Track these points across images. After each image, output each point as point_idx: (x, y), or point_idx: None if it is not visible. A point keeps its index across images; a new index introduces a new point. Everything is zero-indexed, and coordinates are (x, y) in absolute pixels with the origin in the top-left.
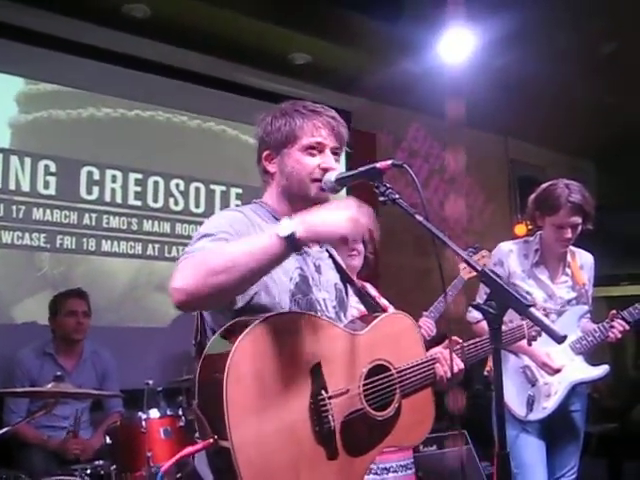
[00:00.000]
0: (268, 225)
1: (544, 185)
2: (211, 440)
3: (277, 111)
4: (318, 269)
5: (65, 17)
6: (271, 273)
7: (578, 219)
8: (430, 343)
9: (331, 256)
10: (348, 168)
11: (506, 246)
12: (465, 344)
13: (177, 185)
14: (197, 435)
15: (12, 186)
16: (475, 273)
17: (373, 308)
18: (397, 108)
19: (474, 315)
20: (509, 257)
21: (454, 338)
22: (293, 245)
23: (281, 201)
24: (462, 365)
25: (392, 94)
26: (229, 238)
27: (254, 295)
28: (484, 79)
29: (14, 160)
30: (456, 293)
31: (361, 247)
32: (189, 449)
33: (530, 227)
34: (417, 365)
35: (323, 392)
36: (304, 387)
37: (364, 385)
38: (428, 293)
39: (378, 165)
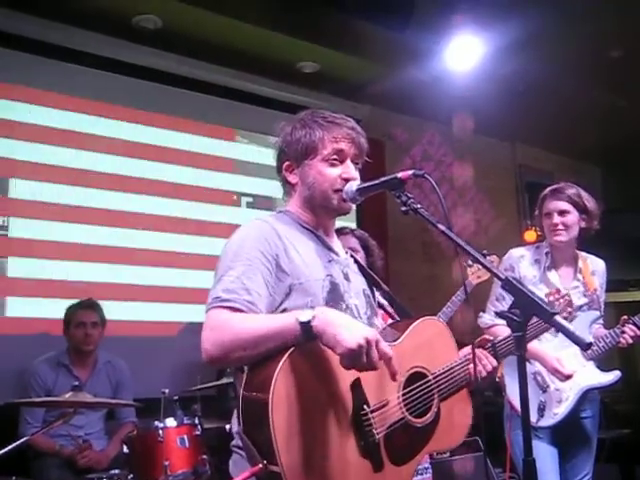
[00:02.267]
0: (293, 232)
1: None
2: (261, 465)
3: (297, 122)
4: (347, 276)
5: (75, 28)
6: (304, 283)
7: (563, 205)
8: None
9: (356, 261)
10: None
11: (517, 252)
12: (496, 341)
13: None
14: (234, 443)
15: None
16: (484, 278)
17: (403, 311)
18: (405, 116)
19: (485, 321)
20: (520, 262)
21: (485, 337)
22: (307, 332)
23: (305, 210)
24: (495, 362)
25: (400, 102)
26: (258, 267)
27: (289, 307)
28: (491, 86)
29: None
30: (464, 297)
31: (361, 255)
32: (243, 475)
33: (540, 234)
34: (452, 368)
35: (365, 407)
36: (346, 403)
37: (403, 394)
38: (436, 299)
39: (400, 175)
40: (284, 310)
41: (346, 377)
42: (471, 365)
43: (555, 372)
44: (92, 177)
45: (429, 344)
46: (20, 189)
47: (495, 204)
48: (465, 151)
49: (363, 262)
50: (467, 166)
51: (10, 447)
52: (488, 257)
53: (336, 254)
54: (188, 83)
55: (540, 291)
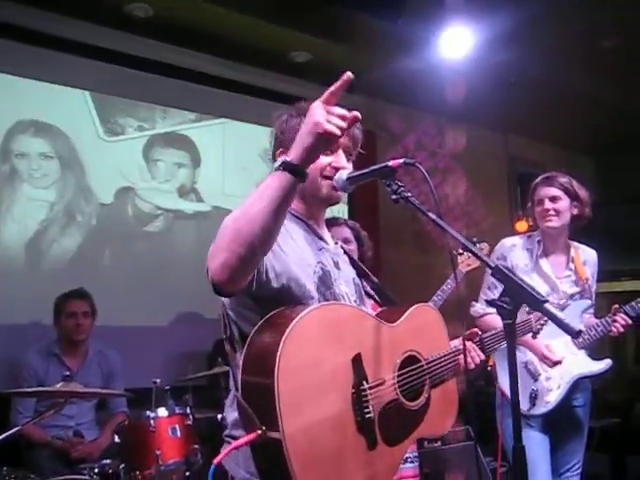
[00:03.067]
0: (290, 224)
1: None
2: (259, 432)
3: (293, 110)
4: (337, 265)
5: (65, 17)
6: (297, 265)
7: (555, 191)
8: None
9: (346, 252)
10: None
11: (509, 241)
12: (484, 336)
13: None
14: (227, 433)
15: None
16: (474, 266)
17: (390, 301)
18: (397, 106)
19: (477, 310)
20: (512, 251)
21: (473, 330)
22: (293, 171)
23: (296, 199)
24: (483, 355)
25: (392, 92)
26: None
27: (285, 286)
28: (483, 76)
29: None
30: (455, 285)
31: (352, 247)
32: (239, 441)
33: (531, 224)
34: (444, 356)
35: (364, 382)
36: (347, 377)
37: (398, 376)
38: (428, 288)
39: (390, 163)
40: (280, 289)
41: (348, 351)
42: (461, 356)
43: (544, 358)
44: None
45: (424, 330)
46: None
47: (487, 195)
48: (457, 141)
49: (356, 253)
50: (459, 156)
51: (1, 437)
52: (479, 245)
53: (326, 243)
54: (179, 72)
55: (532, 280)
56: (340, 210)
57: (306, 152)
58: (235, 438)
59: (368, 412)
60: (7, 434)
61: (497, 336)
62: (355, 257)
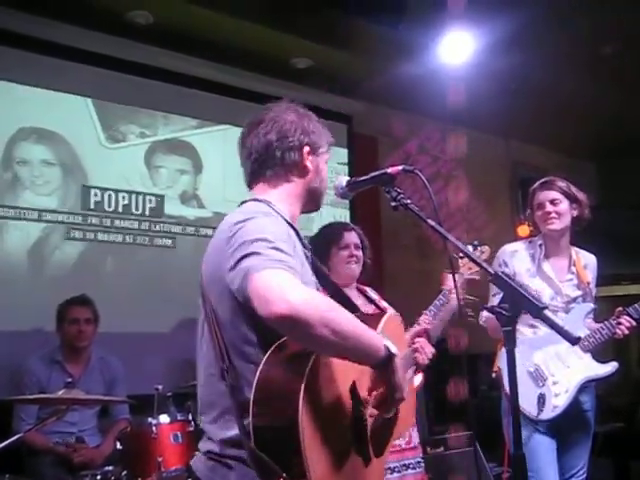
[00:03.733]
0: (290, 231)
1: None
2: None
3: (308, 114)
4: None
5: (67, 24)
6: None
7: (554, 194)
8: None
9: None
10: (350, 172)
11: (510, 247)
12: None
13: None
14: (218, 451)
15: None
16: (475, 270)
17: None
18: (398, 111)
19: (485, 314)
20: (514, 257)
21: (422, 327)
22: (386, 361)
23: (291, 203)
24: (433, 350)
25: (393, 97)
26: (288, 251)
27: None
28: (485, 81)
29: None
30: (450, 295)
31: (360, 254)
32: None
33: (532, 228)
34: (406, 358)
35: (362, 409)
36: (348, 408)
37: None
38: (430, 294)
39: (389, 170)
40: None
41: (345, 381)
42: (417, 354)
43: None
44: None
45: (393, 337)
46: None
47: (489, 200)
48: (458, 147)
49: (361, 259)
50: (460, 161)
51: (4, 444)
52: (480, 248)
53: (309, 250)
54: (180, 79)
55: (536, 284)
56: (342, 215)
57: (397, 383)
58: (230, 457)
59: (365, 435)
60: (10, 441)
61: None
62: (360, 264)
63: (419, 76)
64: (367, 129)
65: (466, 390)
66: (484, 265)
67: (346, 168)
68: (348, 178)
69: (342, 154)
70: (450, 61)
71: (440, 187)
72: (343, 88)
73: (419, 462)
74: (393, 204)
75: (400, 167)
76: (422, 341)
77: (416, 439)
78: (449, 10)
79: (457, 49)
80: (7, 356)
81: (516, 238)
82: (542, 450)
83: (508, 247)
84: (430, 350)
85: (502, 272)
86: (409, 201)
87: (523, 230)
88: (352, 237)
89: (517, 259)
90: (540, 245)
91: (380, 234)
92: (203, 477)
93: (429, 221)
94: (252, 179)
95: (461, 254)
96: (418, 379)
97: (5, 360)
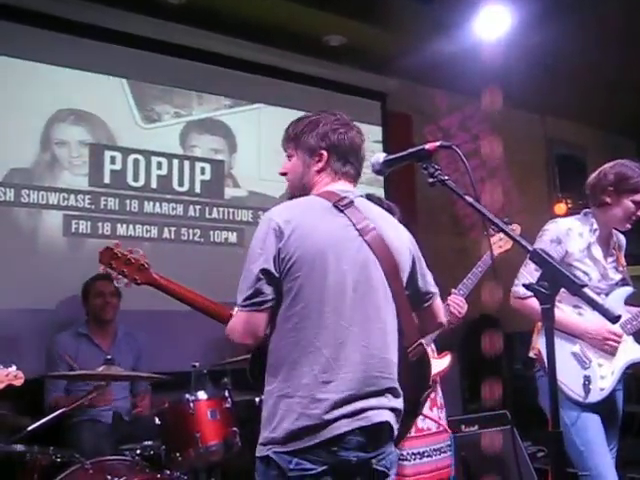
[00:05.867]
0: None
1: (610, 165)
2: None
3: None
4: None
5: (102, 5)
6: None
7: None
8: (462, 321)
9: None
10: (384, 149)
11: (564, 224)
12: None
13: None
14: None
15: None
16: (506, 248)
17: None
18: (433, 88)
19: (519, 292)
20: (568, 236)
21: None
22: None
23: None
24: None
25: (428, 75)
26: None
27: None
28: (521, 57)
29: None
30: (486, 269)
31: None
32: None
33: (570, 206)
34: None
35: None
36: None
37: None
38: (466, 271)
39: (427, 146)
40: None
41: None
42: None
43: (607, 339)
44: None
45: None
46: None
47: (525, 177)
48: (495, 123)
49: None
50: (496, 138)
51: (48, 418)
52: (510, 226)
53: None
54: (213, 58)
55: (586, 265)
56: (377, 194)
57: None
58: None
59: None
60: (52, 415)
61: None
62: None
63: (454, 52)
64: (401, 106)
65: (501, 369)
66: (523, 242)
67: (380, 146)
68: (385, 154)
69: (376, 132)
70: (485, 37)
71: (476, 165)
72: (377, 65)
73: (449, 445)
74: (430, 180)
75: (438, 143)
76: (454, 297)
77: (444, 421)
78: None
79: (492, 25)
80: (41, 333)
81: (553, 215)
82: (592, 426)
83: (562, 223)
84: (463, 305)
85: (540, 249)
86: (446, 177)
87: (560, 208)
88: None
89: (571, 238)
90: (595, 229)
91: (415, 212)
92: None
93: (466, 197)
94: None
95: (491, 230)
96: (447, 360)
97: (38, 337)
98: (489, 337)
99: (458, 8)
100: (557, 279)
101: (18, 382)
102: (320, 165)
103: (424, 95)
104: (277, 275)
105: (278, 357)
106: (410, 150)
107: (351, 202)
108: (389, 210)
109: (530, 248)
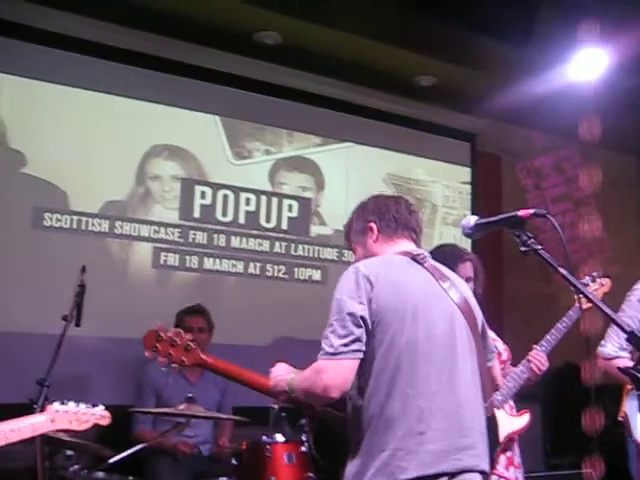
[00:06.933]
0: None
1: None
2: None
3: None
4: None
5: (198, 46)
6: None
7: None
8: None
9: None
10: (473, 190)
11: None
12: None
13: None
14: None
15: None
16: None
17: None
18: (524, 129)
19: (607, 352)
20: None
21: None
22: None
23: None
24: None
25: (519, 115)
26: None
27: None
28: (616, 99)
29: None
30: (570, 325)
31: (472, 284)
32: None
33: None
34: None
35: None
36: None
37: None
38: (553, 317)
39: (520, 213)
40: None
41: None
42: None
43: None
44: None
45: None
46: None
47: (618, 222)
48: (589, 166)
49: (471, 288)
50: (591, 181)
51: (132, 450)
52: (599, 280)
53: None
54: (304, 97)
55: None
56: (463, 239)
57: None
58: None
59: None
60: (135, 448)
61: None
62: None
63: (547, 94)
64: (491, 147)
65: (593, 423)
66: (619, 322)
67: (469, 187)
68: (476, 218)
69: (465, 173)
70: (580, 78)
71: (567, 209)
72: (467, 106)
73: None
74: (523, 249)
75: (532, 210)
76: (535, 353)
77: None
78: (580, 26)
79: (588, 66)
80: (128, 362)
81: None
82: None
83: None
84: (544, 362)
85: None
86: (540, 247)
87: None
88: (465, 269)
89: None
90: None
91: (502, 256)
92: None
93: (561, 270)
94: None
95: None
96: (525, 419)
97: (125, 366)
98: (576, 388)
99: (552, 50)
100: None
101: (104, 422)
102: (374, 236)
103: (515, 136)
104: (370, 325)
105: (367, 409)
106: (502, 216)
107: (426, 257)
108: None
109: (627, 329)
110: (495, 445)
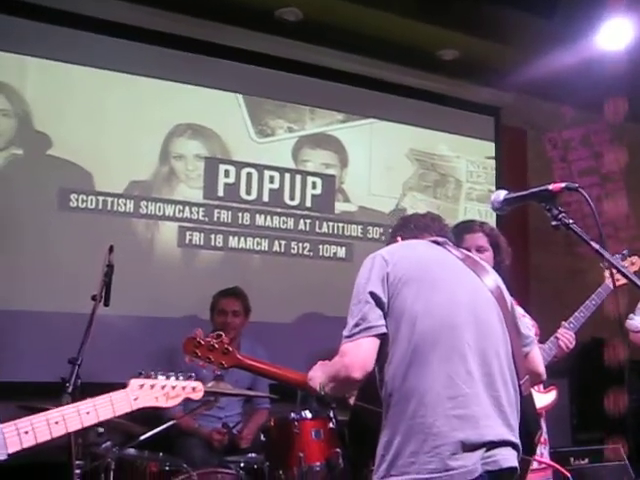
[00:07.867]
0: None
1: None
2: None
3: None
4: None
5: (219, 23)
6: None
7: None
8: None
9: None
10: (497, 166)
11: None
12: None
13: None
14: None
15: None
16: (624, 281)
17: None
18: (550, 103)
19: (636, 324)
20: None
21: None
22: None
23: None
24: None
25: (545, 89)
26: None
27: None
28: None
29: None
30: (600, 302)
31: (489, 253)
32: None
33: None
34: None
35: None
36: None
37: None
38: (581, 293)
39: (550, 187)
40: None
41: None
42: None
43: None
44: None
45: None
46: None
47: None
48: (617, 140)
49: (491, 261)
50: (618, 156)
51: (160, 428)
52: (630, 258)
53: None
54: (326, 73)
55: None
56: (488, 213)
57: None
58: None
59: None
60: (165, 426)
61: None
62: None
63: (573, 66)
64: (516, 121)
65: (620, 400)
66: None
67: (493, 162)
68: (505, 192)
69: (489, 147)
70: (607, 49)
71: (594, 183)
72: (491, 79)
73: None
74: (554, 223)
75: (563, 184)
76: (564, 331)
77: (547, 458)
78: None
79: (615, 37)
80: (153, 340)
81: None
82: None
83: None
84: (572, 340)
85: None
86: (571, 221)
87: None
88: (474, 239)
89: None
90: None
91: (528, 231)
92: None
93: (593, 244)
94: None
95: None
96: (552, 395)
97: (149, 344)
98: (604, 362)
99: (580, 21)
100: None
101: (197, 396)
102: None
103: (540, 109)
104: (386, 301)
105: (391, 380)
106: (532, 190)
107: (447, 241)
108: None
109: None
110: (539, 426)
